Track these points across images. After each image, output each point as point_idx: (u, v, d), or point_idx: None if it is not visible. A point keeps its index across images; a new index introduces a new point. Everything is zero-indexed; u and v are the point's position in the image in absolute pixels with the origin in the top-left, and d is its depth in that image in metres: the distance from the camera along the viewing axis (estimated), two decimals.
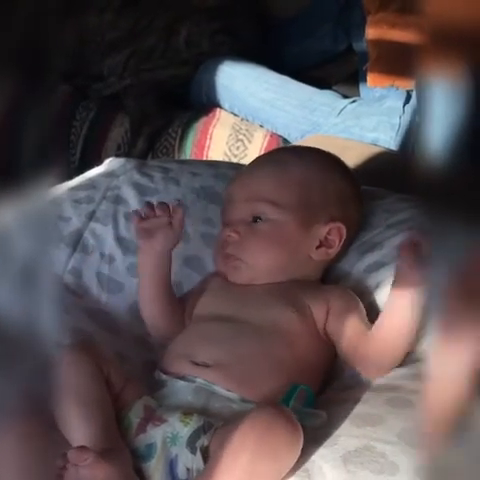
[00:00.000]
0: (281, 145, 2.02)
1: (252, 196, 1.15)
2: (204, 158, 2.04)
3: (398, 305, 1.02)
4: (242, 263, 1.13)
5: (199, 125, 2.08)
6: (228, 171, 1.31)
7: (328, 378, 1.09)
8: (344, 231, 1.15)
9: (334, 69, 2.33)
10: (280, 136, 2.04)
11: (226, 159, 2.02)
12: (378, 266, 1.15)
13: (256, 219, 1.14)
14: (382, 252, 1.16)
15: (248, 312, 1.08)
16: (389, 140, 1.95)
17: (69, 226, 1.22)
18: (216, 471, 0.87)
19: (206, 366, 1.02)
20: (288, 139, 2.04)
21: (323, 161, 1.21)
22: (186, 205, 1.26)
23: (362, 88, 2.15)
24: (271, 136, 2.03)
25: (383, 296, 1.12)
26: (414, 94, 1.96)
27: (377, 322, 1.05)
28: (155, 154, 2.09)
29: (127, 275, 1.20)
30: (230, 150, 2.03)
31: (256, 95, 2.08)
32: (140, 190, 1.28)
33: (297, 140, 2.02)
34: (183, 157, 2.06)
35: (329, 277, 1.18)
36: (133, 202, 1.27)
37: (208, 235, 1.24)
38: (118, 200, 1.27)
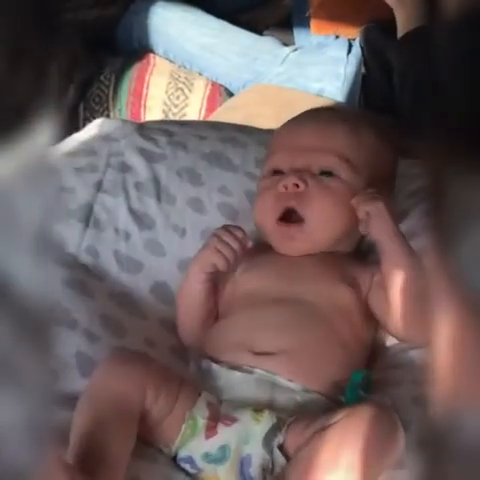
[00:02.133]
0: (224, 95, 1.94)
1: (325, 146, 1.04)
2: (142, 108, 1.92)
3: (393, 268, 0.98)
4: (301, 229, 1.03)
5: (134, 72, 1.95)
6: (234, 134, 1.22)
7: (372, 355, 1.05)
8: (394, 209, 1.09)
9: (264, 14, 2.24)
10: (221, 85, 1.95)
11: (166, 109, 1.91)
12: (409, 235, 1.10)
13: (323, 174, 1.04)
14: (410, 221, 1.12)
15: (304, 290, 1.00)
16: (335, 91, 1.90)
17: (76, 198, 1.10)
18: (317, 469, 0.81)
19: (269, 355, 0.94)
20: (229, 88, 1.96)
21: (383, 135, 1.14)
22: (199, 173, 1.17)
23: (298, 35, 2.08)
24: (212, 85, 1.94)
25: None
26: (356, 43, 1.91)
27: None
28: (87, 103, 1.94)
29: (145, 252, 1.10)
30: (170, 99, 1.92)
31: (194, 40, 1.97)
32: (146, 156, 1.16)
33: (239, 90, 1.94)
34: (118, 106, 1.93)
35: (357, 248, 1.13)
36: (141, 170, 1.15)
37: (224, 205, 1.15)
38: (124, 168, 1.15)
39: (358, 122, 1.10)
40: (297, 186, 1.03)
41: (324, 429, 0.84)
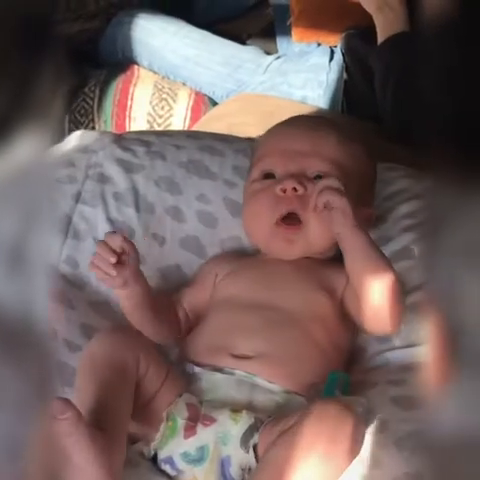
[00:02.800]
0: (208, 104, 1.95)
1: (318, 151, 1.04)
2: (127, 119, 1.94)
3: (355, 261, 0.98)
4: (300, 232, 1.02)
5: (118, 84, 1.96)
6: (212, 143, 1.23)
7: (350, 359, 1.06)
8: (374, 218, 1.10)
9: (246, 23, 2.26)
10: (205, 95, 1.97)
11: (151, 120, 1.93)
12: (384, 240, 1.12)
13: (317, 178, 1.03)
14: (386, 226, 1.14)
15: (282, 296, 1.02)
16: (317, 98, 1.92)
17: (55, 209, 1.11)
18: (283, 472, 0.83)
19: (247, 358, 0.96)
20: (213, 98, 1.97)
21: (367, 147, 1.15)
22: (177, 182, 1.18)
23: (280, 43, 2.10)
24: (196, 95, 1.95)
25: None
26: (338, 50, 1.93)
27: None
28: (72, 115, 1.96)
29: None
30: (154, 110, 1.94)
31: (177, 51, 1.99)
32: (124, 167, 1.18)
33: (223, 99, 1.95)
34: (104, 118, 1.95)
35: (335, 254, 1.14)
36: (119, 180, 1.17)
37: (203, 213, 1.16)
38: (103, 179, 1.16)
39: (347, 131, 1.12)
40: (295, 190, 1.03)
41: (286, 431, 0.86)
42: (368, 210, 1.08)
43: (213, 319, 1.03)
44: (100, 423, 0.87)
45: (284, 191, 1.03)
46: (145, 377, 0.94)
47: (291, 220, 1.03)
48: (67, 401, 0.84)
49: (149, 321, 1.01)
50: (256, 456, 0.90)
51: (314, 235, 1.03)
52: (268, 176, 1.07)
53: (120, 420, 0.90)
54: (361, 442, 0.87)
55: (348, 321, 1.05)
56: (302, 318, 1.00)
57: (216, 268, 1.09)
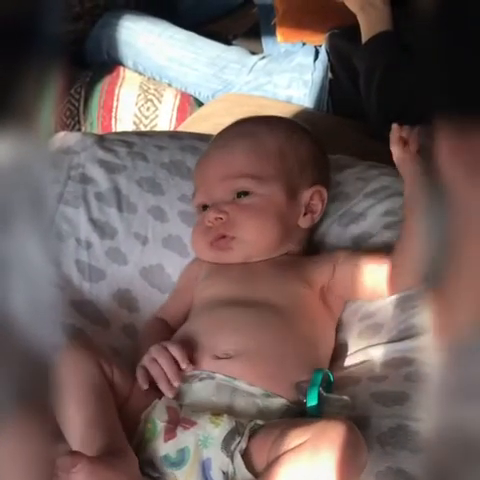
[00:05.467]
0: (193, 105, 1.96)
1: (230, 173, 1.08)
2: (113, 121, 1.94)
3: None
4: (235, 241, 1.07)
5: (104, 85, 1.97)
6: (194, 142, 1.24)
7: (333, 355, 1.06)
8: (325, 193, 1.12)
9: (231, 23, 2.27)
10: (191, 95, 1.97)
11: (137, 121, 1.93)
12: (366, 237, 1.13)
13: (240, 195, 1.08)
14: (367, 223, 1.15)
15: (260, 292, 1.03)
16: (302, 97, 1.93)
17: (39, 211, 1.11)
18: None
19: (228, 358, 0.96)
20: (199, 98, 1.98)
21: (288, 126, 1.17)
22: (159, 182, 1.19)
23: (266, 43, 2.11)
24: (182, 95, 1.96)
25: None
26: (323, 49, 1.94)
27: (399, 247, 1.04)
28: (58, 117, 1.96)
29: (107, 261, 1.12)
30: (140, 111, 1.94)
31: (162, 52, 2.00)
32: (107, 167, 1.19)
33: (208, 99, 1.96)
34: (89, 120, 1.95)
35: (316, 253, 1.15)
36: (101, 180, 1.17)
37: (186, 213, 1.17)
38: (85, 180, 1.17)
39: (256, 132, 1.13)
40: (220, 218, 1.07)
41: (292, 450, 0.83)
42: (316, 188, 1.11)
43: (193, 321, 1.04)
44: (107, 445, 0.87)
45: (211, 222, 1.08)
46: (113, 382, 0.94)
47: (223, 239, 1.08)
48: (74, 452, 0.83)
49: None
50: (246, 463, 0.88)
51: (249, 243, 1.07)
52: (205, 207, 1.12)
53: (119, 431, 0.90)
54: (364, 462, 0.86)
55: (330, 314, 1.06)
56: (283, 312, 1.01)
57: (197, 270, 1.10)
